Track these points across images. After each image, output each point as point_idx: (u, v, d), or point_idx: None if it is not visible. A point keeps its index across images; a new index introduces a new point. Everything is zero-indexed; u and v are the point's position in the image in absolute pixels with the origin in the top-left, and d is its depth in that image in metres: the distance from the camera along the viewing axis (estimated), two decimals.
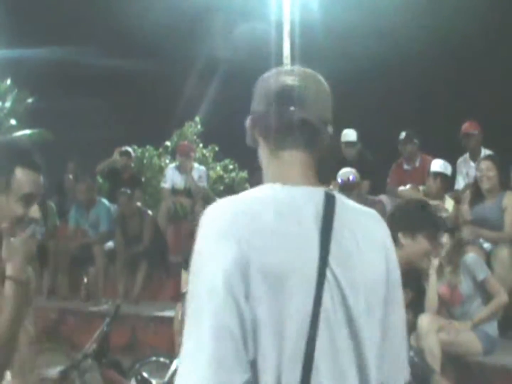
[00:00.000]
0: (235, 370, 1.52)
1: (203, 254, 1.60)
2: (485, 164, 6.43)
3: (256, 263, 1.55)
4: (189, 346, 1.55)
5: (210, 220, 1.63)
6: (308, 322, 1.58)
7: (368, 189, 8.60)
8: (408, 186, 7.91)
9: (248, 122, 1.82)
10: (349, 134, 9.02)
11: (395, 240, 2.54)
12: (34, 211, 2.56)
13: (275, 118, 1.73)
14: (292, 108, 1.72)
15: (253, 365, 1.56)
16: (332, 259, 1.64)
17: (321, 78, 1.81)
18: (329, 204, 1.70)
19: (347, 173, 7.96)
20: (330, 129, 1.78)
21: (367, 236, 1.74)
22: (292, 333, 1.57)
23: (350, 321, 1.65)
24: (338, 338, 1.64)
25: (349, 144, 8.92)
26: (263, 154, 1.81)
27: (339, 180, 7.91)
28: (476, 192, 6.55)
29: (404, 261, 2.88)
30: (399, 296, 1.80)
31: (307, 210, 1.66)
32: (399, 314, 1.80)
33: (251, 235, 1.58)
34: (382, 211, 7.80)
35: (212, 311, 1.53)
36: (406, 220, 3.43)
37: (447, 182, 7.41)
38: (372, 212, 1.84)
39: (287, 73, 1.78)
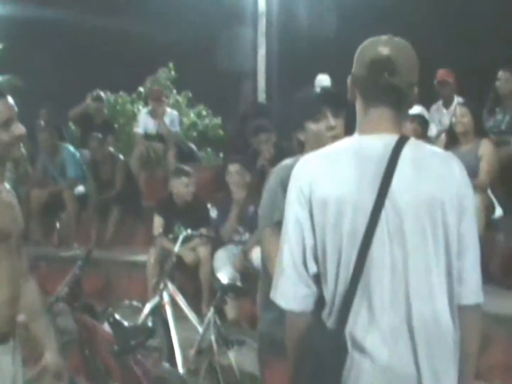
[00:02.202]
0: (300, 285, 2.10)
1: (288, 198, 2.14)
2: (460, 110, 6.41)
3: (317, 196, 2.05)
4: (276, 267, 2.16)
5: (293, 173, 2.17)
6: (361, 239, 2.01)
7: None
8: None
9: (349, 81, 2.22)
10: (323, 80, 8.93)
11: None
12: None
13: (371, 82, 2.13)
14: (385, 75, 2.09)
15: (319, 276, 2.10)
16: (392, 192, 2.03)
17: (408, 45, 2.18)
18: (398, 146, 2.08)
19: None
20: (415, 90, 2.18)
21: (432, 171, 2.08)
22: (347, 249, 2.03)
23: (404, 241, 2.03)
24: (389, 255, 2.03)
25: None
26: (358, 108, 2.21)
27: None
28: (451, 137, 6.54)
29: None
30: (470, 217, 2.12)
31: (375, 152, 2.08)
32: (471, 235, 2.12)
33: (311, 177, 2.08)
34: None
35: (286, 240, 2.11)
36: None
37: (425, 126, 7.36)
38: (446, 153, 2.22)
39: (383, 43, 2.14)
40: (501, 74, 7.33)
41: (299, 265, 2.09)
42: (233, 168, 6.75)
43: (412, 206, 2.04)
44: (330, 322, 2.08)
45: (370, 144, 2.10)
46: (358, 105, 2.21)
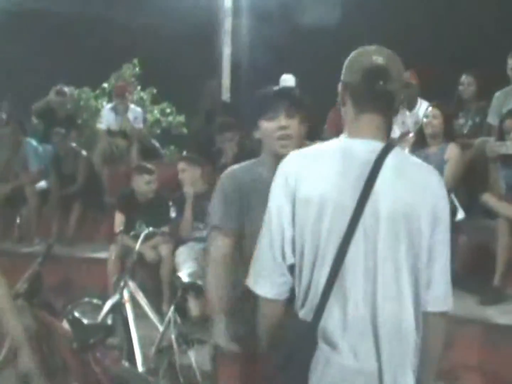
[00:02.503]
0: (275, 274, 2.19)
1: (272, 187, 2.25)
2: (432, 111, 6.41)
3: (299, 193, 2.16)
4: (255, 254, 2.27)
5: (280, 164, 2.28)
6: (341, 238, 2.10)
7: (304, 135, 8.51)
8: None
9: (340, 87, 2.31)
10: (287, 80, 8.92)
11: None
12: None
13: (365, 89, 2.23)
14: (380, 82, 2.21)
15: (295, 268, 2.19)
16: (372, 195, 2.12)
17: (395, 54, 2.31)
18: (383, 153, 2.18)
19: None
20: (402, 96, 2.34)
21: (411, 180, 2.19)
22: (325, 247, 2.12)
23: (377, 245, 2.13)
24: (364, 256, 2.12)
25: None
26: (348, 113, 2.29)
27: None
28: (420, 138, 6.55)
29: None
30: (444, 228, 2.21)
31: (361, 156, 2.17)
32: (442, 245, 2.21)
33: (298, 172, 2.18)
34: None
35: (267, 229, 2.22)
36: None
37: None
38: (427, 166, 2.31)
39: (376, 53, 2.25)
40: (464, 78, 7.38)
41: (277, 254, 2.19)
42: (180, 165, 6.79)
43: (389, 211, 2.15)
44: (302, 313, 2.17)
45: (357, 148, 2.21)
46: (348, 111, 2.30)
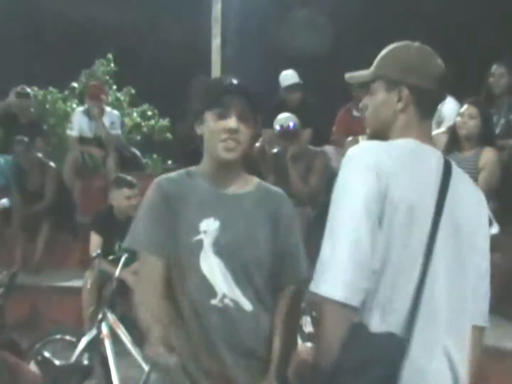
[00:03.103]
0: (360, 277, 2.20)
1: (349, 181, 2.30)
2: (468, 110, 6.34)
3: (391, 194, 2.26)
4: (326, 255, 2.25)
5: (355, 156, 2.34)
6: (425, 244, 2.29)
7: (310, 139, 8.52)
8: (350, 138, 7.86)
9: (404, 91, 2.46)
10: (290, 76, 8.90)
11: None
12: None
13: (436, 96, 2.51)
14: (445, 89, 2.52)
15: (375, 274, 2.25)
16: (447, 202, 2.36)
17: None
18: (447, 162, 2.44)
19: (287, 119, 7.83)
20: None
21: (470, 194, 2.49)
22: (413, 252, 2.28)
23: (459, 248, 2.38)
24: (448, 262, 2.34)
25: (292, 87, 8.82)
26: (407, 120, 2.48)
27: (278, 127, 7.81)
28: (453, 140, 6.48)
29: None
30: (488, 245, 2.54)
31: (433, 162, 2.42)
32: (488, 262, 2.53)
33: (389, 171, 2.28)
34: (324, 163, 7.79)
35: (351, 228, 2.24)
36: None
37: None
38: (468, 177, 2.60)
39: (434, 55, 2.51)
40: (494, 68, 7.32)
41: (364, 257, 2.23)
42: None
43: (458, 223, 2.40)
44: (382, 326, 2.26)
45: (429, 154, 2.45)
46: (405, 115, 2.49)
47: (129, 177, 7.26)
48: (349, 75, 2.68)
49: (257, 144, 8.36)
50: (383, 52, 2.56)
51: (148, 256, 2.89)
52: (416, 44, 2.53)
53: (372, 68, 2.57)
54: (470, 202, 2.47)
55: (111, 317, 5.82)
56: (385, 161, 2.32)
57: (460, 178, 2.47)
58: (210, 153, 2.90)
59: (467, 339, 2.43)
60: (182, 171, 3.05)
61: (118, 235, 6.92)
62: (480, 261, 2.49)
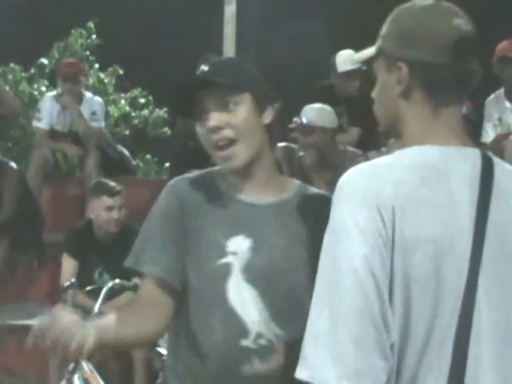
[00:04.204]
0: (376, 355, 2.05)
1: (341, 223, 2.13)
2: None
3: (402, 235, 2.10)
4: (322, 327, 2.08)
5: (347, 184, 2.18)
6: (461, 300, 2.13)
7: (356, 140, 8.62)
8: (391, 140, 7.94)
9: (403, 69, 2.29)
10: (346, 57, 8.93)
11: None
12: None
13: (450, 71, 2.27)
14: (471, 59, 2.29)
15: (393, 348, 2.10)
16: (489, 229, 2.17)
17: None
18: (487, 166, 2.24)
19: (304, 111, 8.04)
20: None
21: None
22: (444, 313, 2.12)
23: (506, 300, 2.20)
24: (491, 322, 2.17)
25: (351, 74, 8.84)
26: (414, 109, 2.32)
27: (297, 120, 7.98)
28: None
29: None
30: None
31: (461, 173, 2.21)
32: None
33: (397, 202, 2.12)
34: None
35: (351, 288, 2.07)
36: None
37: (474, 129, 7.39)
38: None
39: (455, 14, 2.31)
40: None
41: (378, 326, 2.08)
42: None
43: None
44: None
45: (455, 160, 2.24)
46: (413, 106, 2.33)
47: (111, 183, 7.25)
48: (357, 55, 2.58)
49: (281, 144, 8.45)
50: (386, 20, 2.42)
51: (152, 281, 2.87)
52: (427, 1, 2.35)
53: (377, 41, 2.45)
54: None
55: (86, 366, 5.84)
56: (389, 187, 2.15)
57: (509, 182, 2.28)
58: (216, 163, 2.93)
59: None
60: (203, 172, 3.03)
61: (99, 258, 6.97)
62: None
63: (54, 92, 10.32)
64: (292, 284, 2.74)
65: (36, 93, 16.78)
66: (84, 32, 17.97)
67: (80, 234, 7.23)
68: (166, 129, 17.66)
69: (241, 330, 2.70)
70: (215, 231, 2.78)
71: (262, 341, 2.70)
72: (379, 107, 2.42)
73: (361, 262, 2.07)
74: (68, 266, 7.09)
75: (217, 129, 2.75)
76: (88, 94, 10.06)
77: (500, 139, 7.62)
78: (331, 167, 7.86)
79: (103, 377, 5.87)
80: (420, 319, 2.11)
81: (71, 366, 5.80)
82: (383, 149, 8.43)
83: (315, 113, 7.91)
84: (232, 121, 2.76)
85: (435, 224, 2.13)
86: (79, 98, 9.68)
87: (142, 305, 2.89)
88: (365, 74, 8.92)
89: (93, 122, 9.67)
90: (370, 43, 2.46)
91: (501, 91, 8.26)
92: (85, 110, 9.65)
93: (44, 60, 17.56)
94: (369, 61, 2.45)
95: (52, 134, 9.75)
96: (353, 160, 7.90)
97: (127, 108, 18.07)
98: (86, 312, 6.33)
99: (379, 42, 2.39)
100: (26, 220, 8.88)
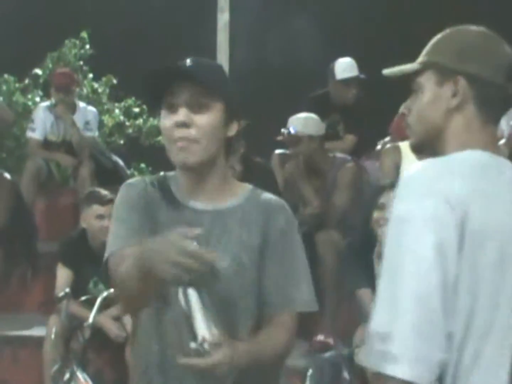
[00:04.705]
0: (434, 344, 2.15)
1: (410, 216, 2.21)
2: None
3: (472, 229, 2.20)
4: (385, 322, 2.18)
5: (414, 180, 2.30)
6: None
7: (351, 147, 8.66)
8: (388, 145, 8.00)
9: (460, 82, 2.40)
10: (350, 66, 8.99)
11: None
12: None
13: (505, 93, 2.44)
14: None
15: (450, 339, 2.19)
16: None
17: None
18: None
19: (291, 122, 8.21)
20: None
21: None
22: (504, 303, 2.25)
23: None
24: None
25: (349, 81, 8.91)
26: (465, 122, 2.43)
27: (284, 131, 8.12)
28: None
29: None
30: None
31: (508, 175, 2.38)
32: None
33: (463, 197, 2.22)
34: (349, 177, 7.93)
35: (418, 285, 2.16)
36: None
37: None
38: None
39: (502, 42, 2.47)
40: None
41: (436, 316, 2.17)
42: None
43: None
44: None
45: (504, 168, 2.43)
46: (460, 117, 2.44)
47: (103, 191, 7.24)
48: (389, 70, 2.64)
49: (277, 152, 8.49)
50: (435, 38, 2.53)
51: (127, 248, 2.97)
52: (478, 27, 2.50)
53: (419, 58, 2.54)
54: None
55: (81, 376, 5.81)
56: (455, 183, 2.26)
57: None
58: (171, 158, 2.96)
59: None
60: (158, 175, 3.13)
61: (93, 268, 6.93)
62: None
63: (47, 102, 10.32)
64: (232, 289, 2.82)
65: (30, 103, 16.76)
66: (77, 42, 17.97)
67: (74, 244, 7.21)
68: (160, 138, 17.65)
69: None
70: (162, 233, 2.78)
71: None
72: (420, 119, 2.49)
73: (428, 251, 2.17)
74: (63, 276, 7.06)
75: (183, 125, 2.80)
76: (81, 104, 10.05)
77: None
78: (321, 174, 7.97)
79: None
80: (483, 309, 2.20)
81: (67, 375, 5.78)
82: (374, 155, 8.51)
83: (301, 123, 8.09)
84: (199, 123, 2.81)
85: (500, 214, 2.27)
86: (72, 108, 9.68)
87: None
88: (362, 82, 9.01)
89: (86, 131, 9.68)
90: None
91: None
92: (78, 119, 9.65)
93: (38, 71, 17.52)
94: (413, 75, 2.51)
95: (46, 144, 9.75)
96: (342, 166, 7.98)
97: (121, 118, 18.06)
98: (79, 322, 6.32)
99: (427, 57, 2.49)
100: (20, 230, 8.87)
